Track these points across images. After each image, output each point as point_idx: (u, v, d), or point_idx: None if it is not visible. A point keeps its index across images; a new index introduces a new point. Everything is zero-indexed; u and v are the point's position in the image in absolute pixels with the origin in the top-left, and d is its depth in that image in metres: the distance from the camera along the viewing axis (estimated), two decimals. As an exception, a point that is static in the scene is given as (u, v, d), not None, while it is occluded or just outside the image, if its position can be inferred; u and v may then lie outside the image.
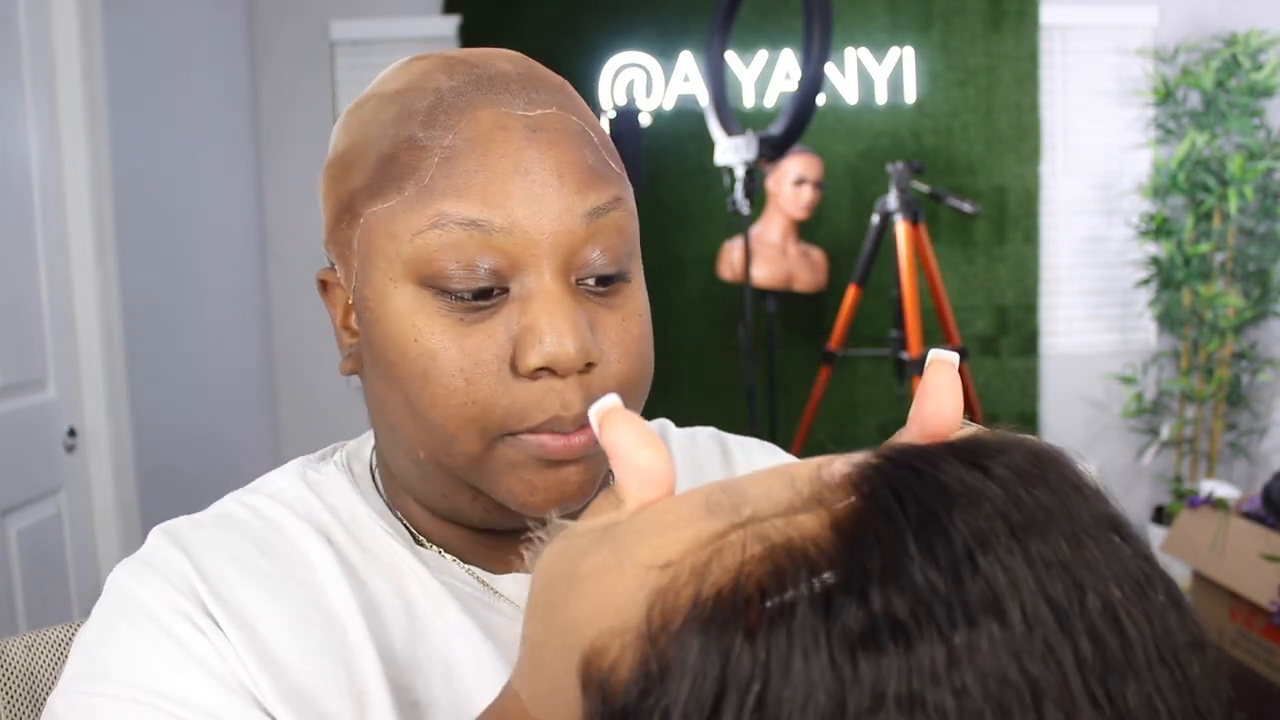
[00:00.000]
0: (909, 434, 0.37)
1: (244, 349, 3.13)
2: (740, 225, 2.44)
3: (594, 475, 0.54)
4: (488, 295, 0.50)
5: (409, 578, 0.56)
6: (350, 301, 0.56)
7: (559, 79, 0.56)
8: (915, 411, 0.37)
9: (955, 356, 0.37)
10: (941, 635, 0.25)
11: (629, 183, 0.56)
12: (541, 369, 0.50)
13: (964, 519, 0.27)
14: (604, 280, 0.52)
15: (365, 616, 0.54)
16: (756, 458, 0.70)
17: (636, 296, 0.55)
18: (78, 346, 2.15)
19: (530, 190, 0.50)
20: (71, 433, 2.11)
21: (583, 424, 0.51)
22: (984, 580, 0.26)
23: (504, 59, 0.55)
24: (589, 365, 0.51)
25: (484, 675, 0.55)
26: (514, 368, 0.50)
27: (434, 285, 0.50)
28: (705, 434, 0.72)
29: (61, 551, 2.09)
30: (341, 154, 0.55)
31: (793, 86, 3.20)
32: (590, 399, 0.51)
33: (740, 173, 2.35)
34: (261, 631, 0.52)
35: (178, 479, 2.50)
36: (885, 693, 0.25)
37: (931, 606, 0.25)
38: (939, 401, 0.35)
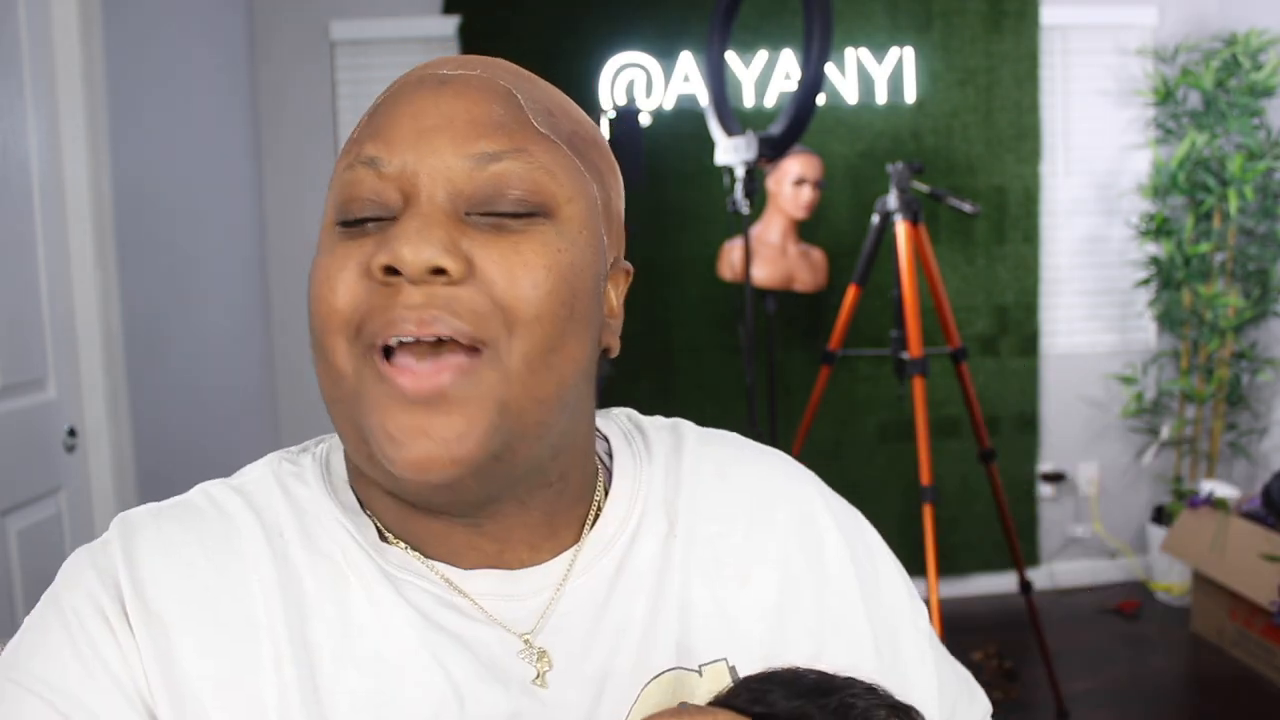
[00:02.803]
0: None
1: (244, 349, 3.13)
2: (740, 225, 2.44)
3: (467, 428, 0.51)
4: (375, 221, 0.54)
5: (354, 582, 0.55)
6: None
7: (524, 72, 0.59)
8: None
9: None
10: None
11: (573, 156, 0.56)
12: (389, 269, 0.51)
13: None
14: (498, 214, 0.53)
15: (289, 628, 0.53)
16: (706, 451, 0.67)
17: (551, 241, 0.53)
18: (78, 346, 2.15)
19: (421, 133, 0.53)
20: (71, 433, 2.11)
21: (439, 336, 0.50)
22: None
23: (486, 57, 0.59)
24: (441, 272, 0.50)
25: (418, 690, 0.53)
26: (371, 274, 0.52)
27: (341, 220, 0.54)
28: (666, 428, 0.69)
29: (61, 551, 2.09)
30: None
31: (793, 86, 3.20)
32: (456, 314, 0.50)
33: (740, 173, 2.35)
34: (175, 639, 0.52)
35: (178, 479, 2.49)
36: None
37: None
38: None
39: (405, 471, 0.50)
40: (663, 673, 0.57)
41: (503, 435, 0.52)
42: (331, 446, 0.63)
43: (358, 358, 0.52)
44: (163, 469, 2.42)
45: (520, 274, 0.51)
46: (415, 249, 0.50)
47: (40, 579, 1.98)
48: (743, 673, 0.59)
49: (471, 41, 3.30)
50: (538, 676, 0.55)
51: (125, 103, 2.29)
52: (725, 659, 0.59)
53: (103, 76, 2.17)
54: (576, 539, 0.60)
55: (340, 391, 0.53)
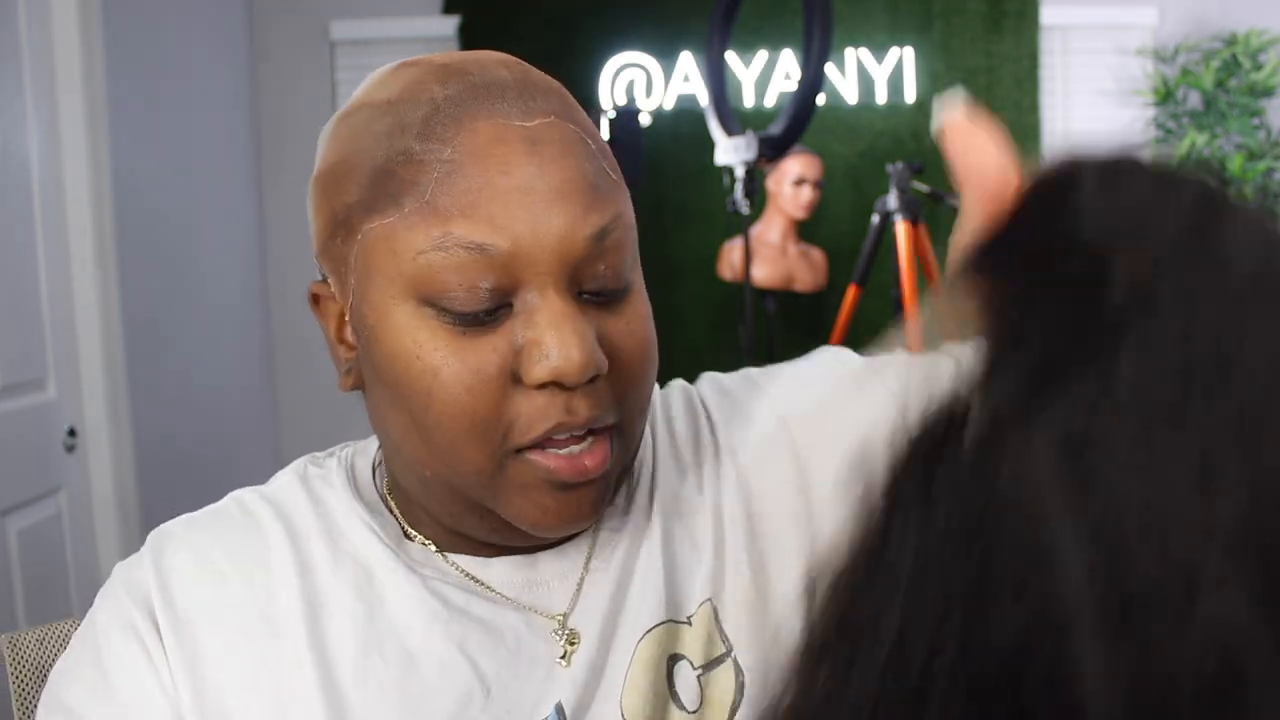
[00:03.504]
0: (970, 203, 0.34)
1: (244, 349, 3.13)
2: (740, 225, 2.44)
3: (605, 493, 0.54)
4: (490, 313, 0.50)
5: (381, 579, 0.56)
6: (346, 316, 0.55)
7: (554, 83, 0.55)
8: (965, 176, 0.34)
9: (960, 103, 0.35)
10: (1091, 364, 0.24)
11: (626, 187, 0.55)
12: (548, 383, 0.50)
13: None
14: (607, 295, 0.53)
15: (308, 626, 0.54)
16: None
17: (639, 301, 0.55)
18: (78, 346, 2.15)
19: (533, 212, 0.49)
20: (71, 433, 2.11)
21: (591, 429, 0.51)
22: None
23: (498, 64, 0.54)
24: (595, 377, 0.51)
25: (443, 681, 0.54)
26: (519, 380, 0.50)
27: (435, 304, 0.50)
28: (677, 394, 0.71)
29: (61, 551, 2.09)
30: (332, 166, 0.53)
31: (793, 86, 3.20)
32: (599, 404, 0.51)
33: (740, 173, 2.35)
34: (201, 641, 0.55)
35: (178, 479, 2.50)
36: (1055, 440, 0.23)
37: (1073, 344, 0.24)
38: (984, 154, 0.33)
39: (542, 533, 0.54)
40: (653, 627, 0.58)
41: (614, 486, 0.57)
42: (356, 451, 0.64)
43: (498, 454, 0.51)
44: (163, 469, 2.42)
45: (635, 351, 0.53)
46: (570, 359, 0.49)
47: (40, 579, 1.98)
48: (725, 611, 0.59)
49: (471, 42, 3.30)
50: (563, 656, 0.56)
51: (125, 103, 2.29)
52: (710, 599, 0.59)
53: (103, 76, 2.17)
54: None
55: (463, 477, 0.52)
